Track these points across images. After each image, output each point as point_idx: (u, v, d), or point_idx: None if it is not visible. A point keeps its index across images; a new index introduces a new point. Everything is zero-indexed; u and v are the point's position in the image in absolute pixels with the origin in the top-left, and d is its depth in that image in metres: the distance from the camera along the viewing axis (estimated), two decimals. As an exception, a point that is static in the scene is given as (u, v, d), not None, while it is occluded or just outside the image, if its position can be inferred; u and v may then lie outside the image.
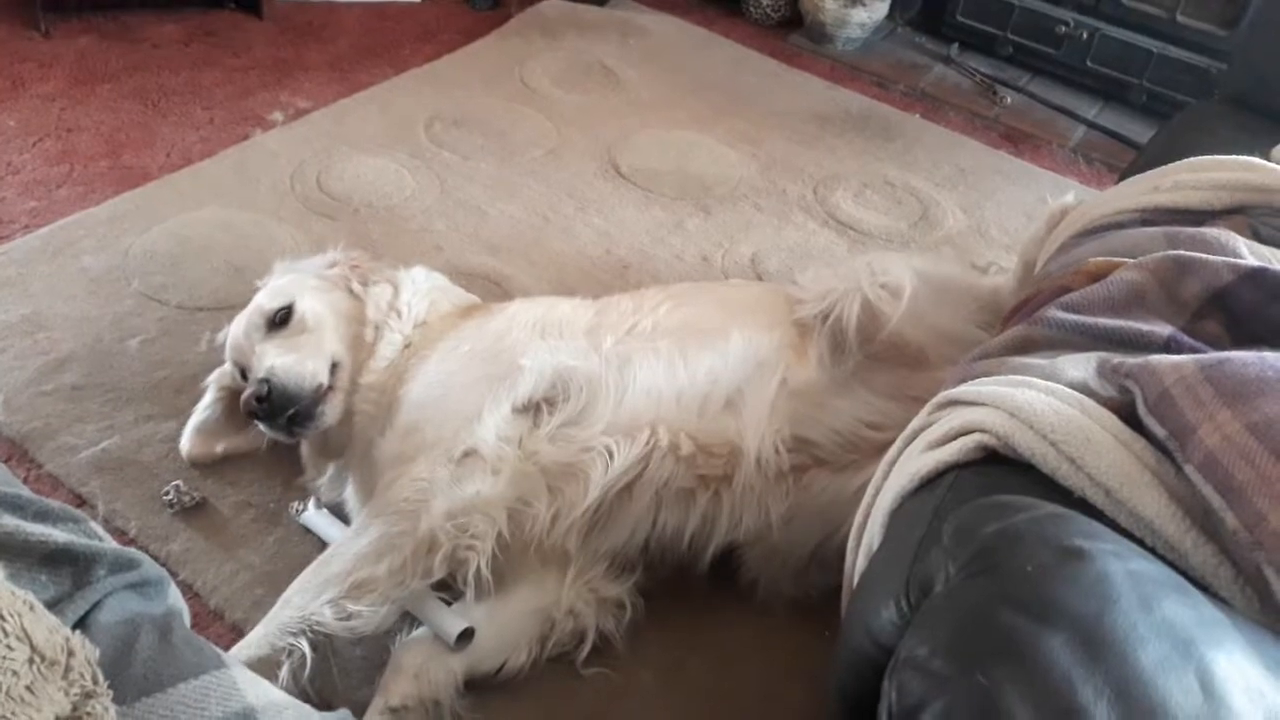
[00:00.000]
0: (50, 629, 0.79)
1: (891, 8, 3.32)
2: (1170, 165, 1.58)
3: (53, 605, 0.86)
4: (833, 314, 1.58)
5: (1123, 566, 0.71)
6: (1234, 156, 1.51)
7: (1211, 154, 1.56)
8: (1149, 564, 0.75)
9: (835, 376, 1.56)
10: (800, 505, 1.51)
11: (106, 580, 0.90)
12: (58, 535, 0.90)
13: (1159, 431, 0.98)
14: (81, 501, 1.63)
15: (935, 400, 1.20)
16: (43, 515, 0.93)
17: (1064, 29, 3.11)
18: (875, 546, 1.15)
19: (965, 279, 1.84)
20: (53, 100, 2.60)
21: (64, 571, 0.89)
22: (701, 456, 1.49)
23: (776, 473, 1.50)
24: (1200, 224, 1.43)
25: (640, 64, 3.06)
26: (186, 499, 1.63)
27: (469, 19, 3.25)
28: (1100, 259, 1.36)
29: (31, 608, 0.77)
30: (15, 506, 0.92)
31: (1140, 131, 2.98)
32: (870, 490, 1.25)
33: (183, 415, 1.77)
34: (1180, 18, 2.93)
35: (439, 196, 2.41)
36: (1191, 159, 1.56)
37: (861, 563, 1.19)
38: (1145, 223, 1.49)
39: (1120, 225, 1.53)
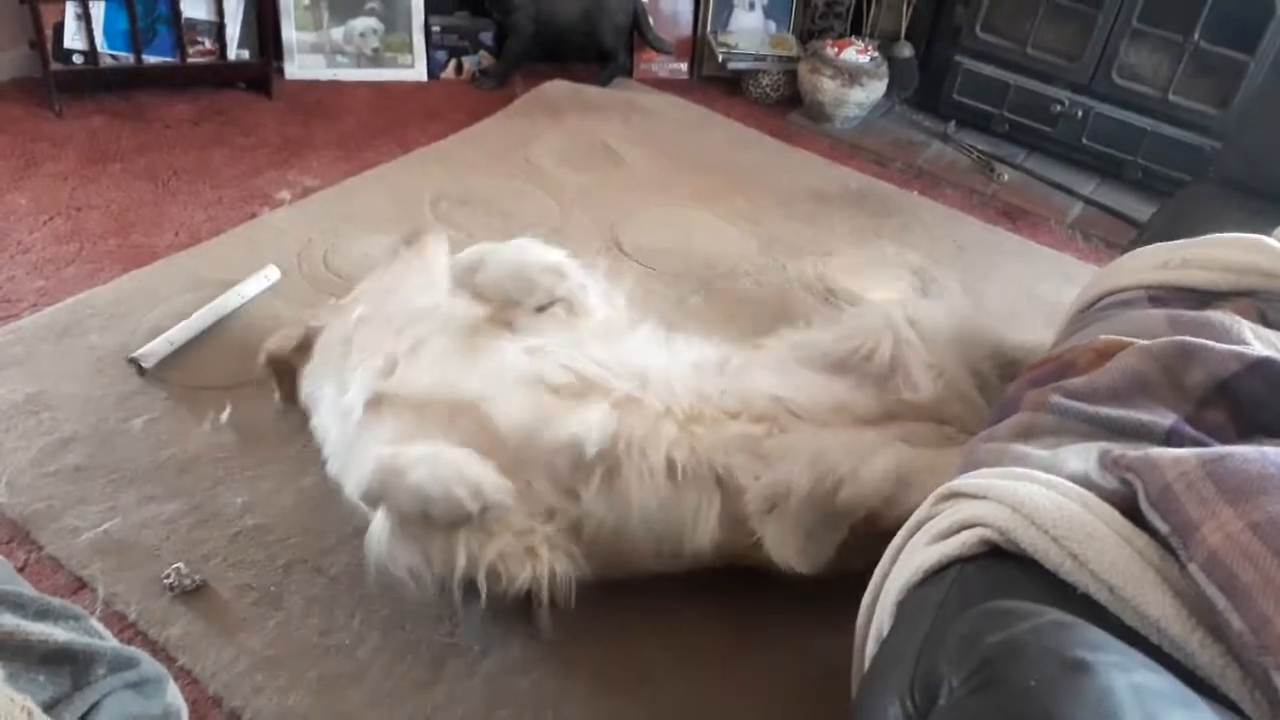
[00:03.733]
0: (49, 736, 0.79)
1: (889, 86, 3.38)
2: (1181, 241, 1.59)
3: (52, 706, 0.86)
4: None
5: (1127, 680, 0.71)
6: (1247, 236, 1.51)
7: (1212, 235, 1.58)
8: (1154, 676, 0.75)
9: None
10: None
11: (106, 680, 0.90)
12: (58, 634, 0.90)
13: (1162, 527, 0.98)
14: (82, 584, 1.62)
15: (939, 491, 1.21)
16: (43, 613, 0.93)
17: (1059, 107, 3.17)
18: (885, 633, 1.14)
19: (976, 327, 1.86)
20: (64, 179, 2.65)
21: (64, 671, 0.89)
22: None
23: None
24: (1207, 304, 1.45)
25: (642, 143, 3.12)
26: (187, 582, 1.63)
27: (475, 99, 3.32)
28: (1109, 337, 1.38)
29: (30, 714, 0.77)
30: (16, 605, 0.92)
31: (1136, 207, 3.02)
32: (877, 574, 1.25)
33: (185, 496, 1.78)
34: (1172, 97, 2.99)
35: (443, 274, 2.43)
36: (1207, 236, 1.56)
37: (871, 647, 1.19)
38: (1152, 300, 1.50)
39: (1128, 303, 1.54)
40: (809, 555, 1.55)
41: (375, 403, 1.66)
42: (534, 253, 1.88)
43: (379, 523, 1.52)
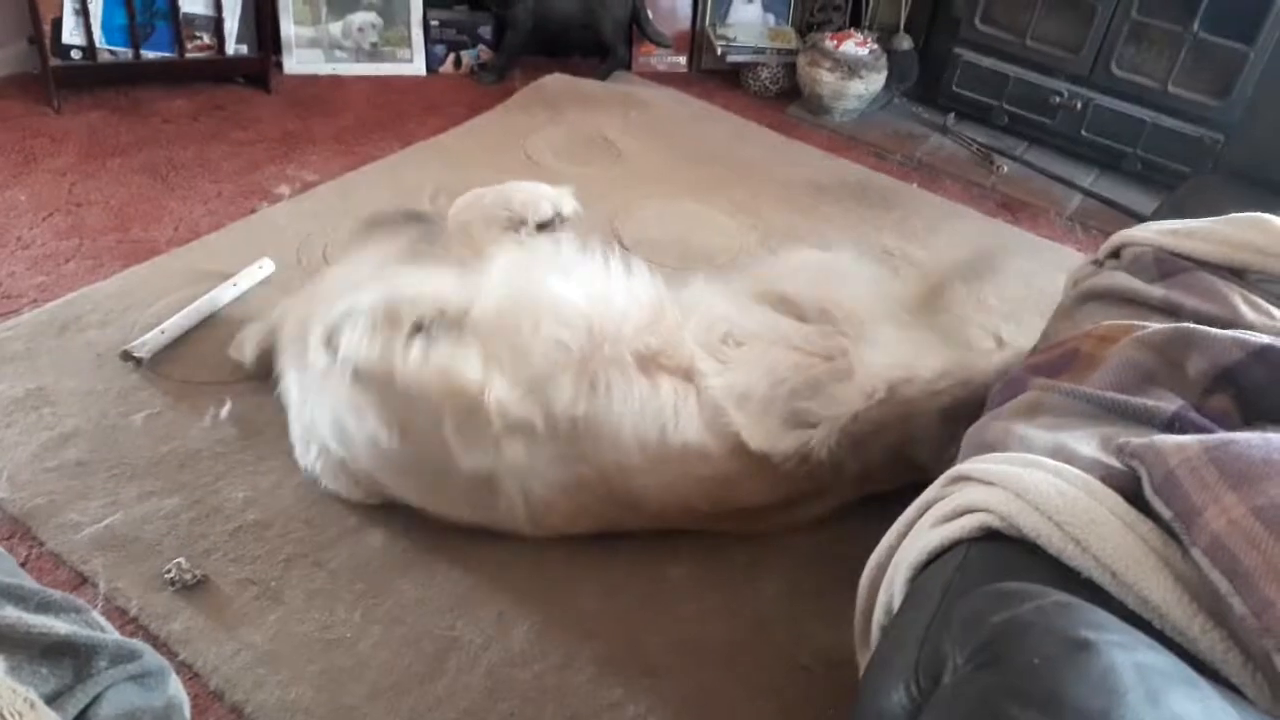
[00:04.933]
0: (51, 726, 0.79)
1: (888, 79, 3.37)
2: (1195, 220, 1.60)
3: (54, 698, 0.86)
4: None
5: (1130, 659, 0.71)
6: (1255, 214, 1.52)
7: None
8: (1156, 655, 0.75)
9: None
10: None
11: (108, 672, 0.89)
12: (60, 626, 0.90)
13: (1165, 513, 0.98)
14: (83, 580, 1.62)
15: (949, 474, 1.22)
16: (45, 606, 0.93)
17: (1058, 99, 3.16)
18: (896, 608, 1.15)
19: None
20: (63, 175, 2.64)
21: (65, 663, 0.89)
22: None
23: None
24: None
25: (641, 136, 3.11)
26: (188, 577, 1.62)
27: (473, 93, 3.31)
28: (1111, 323, 1.38)
29: (32, 705, 0.77)
30: (18, 598, 0.92)
31: (1136, 199, 3.02)
32: (882, 548, 1.25)
33: (186, 491, 1.78)
34: (1172, 88, 2.98)
35: (443, 268, 2.43)
36: (1221, 216, 1.57)
37: (880, 615, 1.19)
38: (1158, 261, 1.51)
39: (1136, 259, 1.55)
40: (770, 440, 1.67)
41: None
42: (529, 185, 2.04)
43: None
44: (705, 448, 1.65)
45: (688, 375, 1.70)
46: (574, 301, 1.73)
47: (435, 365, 1.60)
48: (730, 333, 1.79)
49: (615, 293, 1.81)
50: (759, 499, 1.70)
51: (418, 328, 1.64)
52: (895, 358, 1.69)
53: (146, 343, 2.02)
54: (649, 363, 1.69)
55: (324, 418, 1.71)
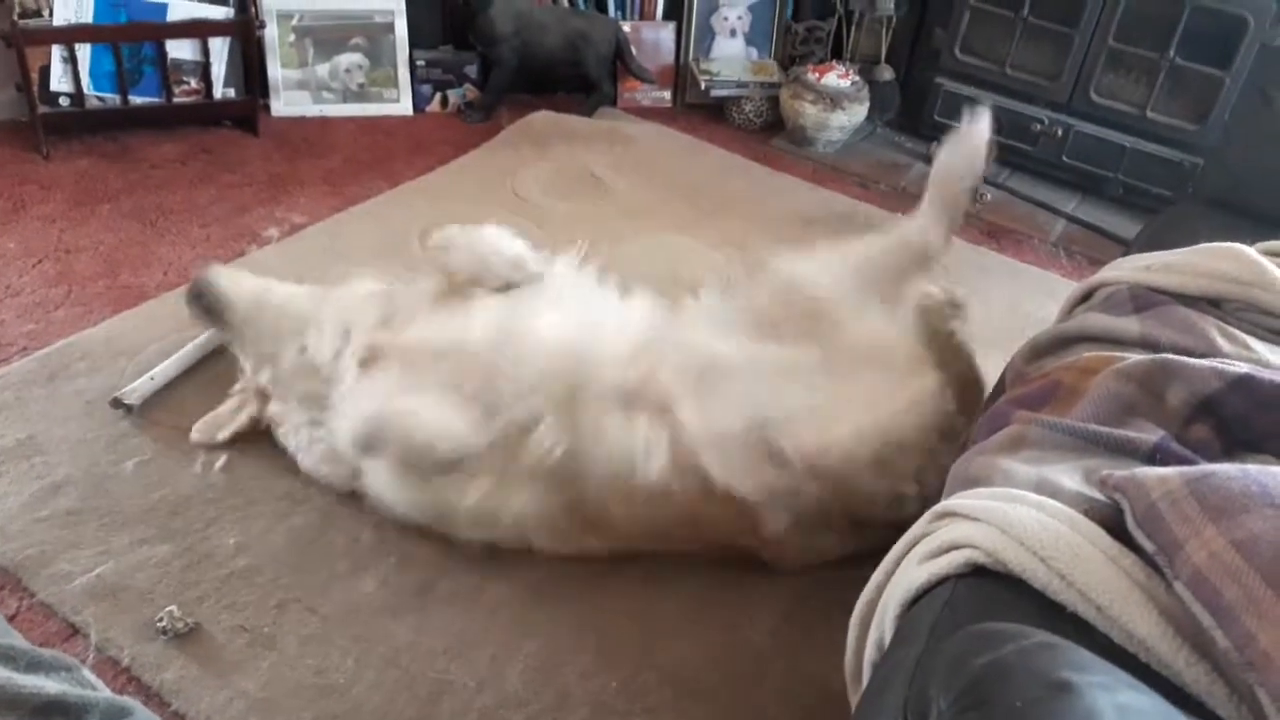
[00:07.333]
0: (41, 788, 0.79)
1: (870, 110, 3.41)
2: (1170, 251, 1.62)
3: (44, 759, 0.86)
4: None
5: (1111, 700, 0.72)
6: (1226, 245, 1.54)
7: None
8: (1139, 695, 0.75)
9: None
10: None
11: (98, 731, 0.90)
12: (50, 686, 0.90)
13: (1148, 546, 0.99)
14: (74, 630, 1.62)
15: (934, 509, 1.22)
16: (35, 665, 0.93)
17: (1039, 126, 3.20)
18: (888, 644, 1.15)
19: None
20: (53, 222, 2.66)
21: (56, 723, 0.89)
22: None
23: None
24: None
25: (628, 171, 3.14)
26: (180, 625, 1.62)
27: (460, 131, 3.34)
28: (1092, 355, 1.40)
29: (23, 768, 0.77)
30: (8, 658, 0.92)
31: (1118, 224, 3.06)
32: (871, 587, 1.26)
33: (177, 538, 1.78)
34: (1150, 114, 3.02)
35: (432, 308, 2.43)
36: (1193, 246, 1.59)
37: (871, 653, 1.19)
38: (1133, 297, 1.53)
39: (1109, 298, 1.56)
40: (738, 480, 1.67)
41: (368, 359, 1.82)
42: (497, 244, 1.98)
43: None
44: (669, 488, 1.67)
45: (664, 411, 1.70)
46: (559, 335, 1.78)
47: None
48: (713, 366, 1.78)
49: (607, 320, 1.88)
50: (726, 533, 1.72)
51: None
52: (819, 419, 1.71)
53: (136, 389, 2.03)
54: (629, 399, 1.71)
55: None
